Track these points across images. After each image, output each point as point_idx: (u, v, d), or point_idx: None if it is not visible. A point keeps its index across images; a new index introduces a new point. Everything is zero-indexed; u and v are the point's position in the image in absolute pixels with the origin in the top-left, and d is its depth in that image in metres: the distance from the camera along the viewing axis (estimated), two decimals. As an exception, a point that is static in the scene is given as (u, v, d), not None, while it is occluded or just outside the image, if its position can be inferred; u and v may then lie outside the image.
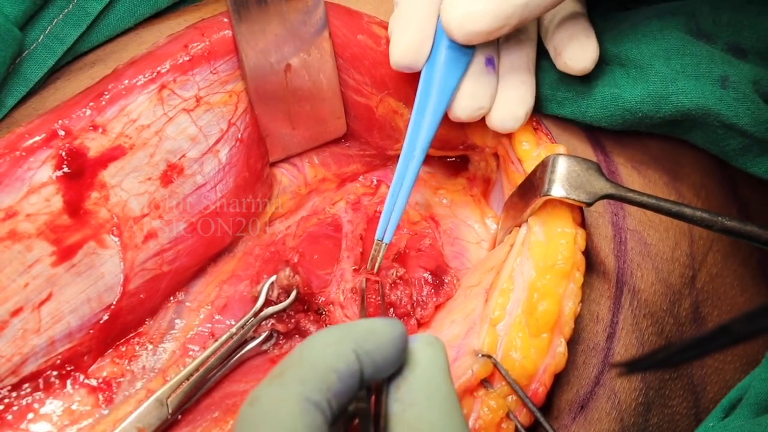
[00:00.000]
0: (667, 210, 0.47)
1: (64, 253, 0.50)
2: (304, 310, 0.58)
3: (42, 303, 0.50)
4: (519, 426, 0.47)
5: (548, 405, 0.51)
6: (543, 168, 0.51)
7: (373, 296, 0.56)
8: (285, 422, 0.32)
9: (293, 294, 0.57)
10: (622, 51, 0.56)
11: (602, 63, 0.56)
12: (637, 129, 0.57)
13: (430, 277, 0.57)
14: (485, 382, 0.48)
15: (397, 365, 0.38)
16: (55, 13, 0.53)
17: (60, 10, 0.53)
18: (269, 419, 0.33)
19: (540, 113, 0.58)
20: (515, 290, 0.49)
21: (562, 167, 0.50)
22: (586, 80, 0.57)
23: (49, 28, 0.53)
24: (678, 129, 0.57)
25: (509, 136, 0.56)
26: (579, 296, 0.49)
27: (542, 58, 0.58)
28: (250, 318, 0.56)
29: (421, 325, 0.56)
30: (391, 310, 0.56)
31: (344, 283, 0.58)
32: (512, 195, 0.55)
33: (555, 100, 0.57)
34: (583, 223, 0.52)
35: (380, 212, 0.63)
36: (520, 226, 0.53)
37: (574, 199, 0.49)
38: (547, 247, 0.50)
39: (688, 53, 0.55)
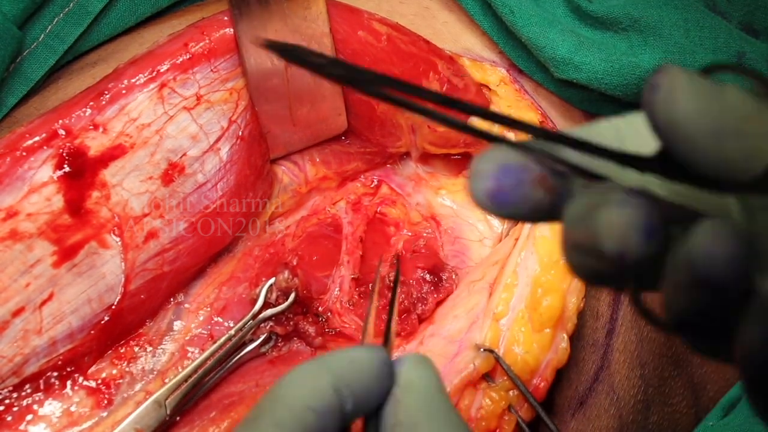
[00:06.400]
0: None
1: (66, 253, 0.54)
2: (302, 313, 0.63)
3: (43, 303, 0.54)
4: (520, 420, 0.52)
5: (549, 400, 0.55)
6: None
7: (378, 299, 0.62)
8: None
9: (292, 296, 0.61)
10: (642, 16, 0.60)
11: (621, 29, 0.60)
12: None
13: (428, 275, 0.63)
14: (487, 377, 0.53)
15: (382, 395, 0.38)
16: (56, 11, 0.57)
17: (61, 8, 0.56)
18: None
19: (555, 79, 0.61)
20: (519, 285, 0.54)
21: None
22: (605, 47, 0.60)
23: (50, 27, 0.57)
24: None
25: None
26: (582, 292, 0.54)
27: (565, 18, 0.62)
28: (249, 320, 0.60)
29: (422, 320, 0.61)
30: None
31: (342, 295, 0.63)
32: None
33: (572, 65, 0.60)
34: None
35: (381, 213, 0.68)
36: None
37: None
38: (553, 242, 0.54)
39: (707, 26, 0.58)
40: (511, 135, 0.38)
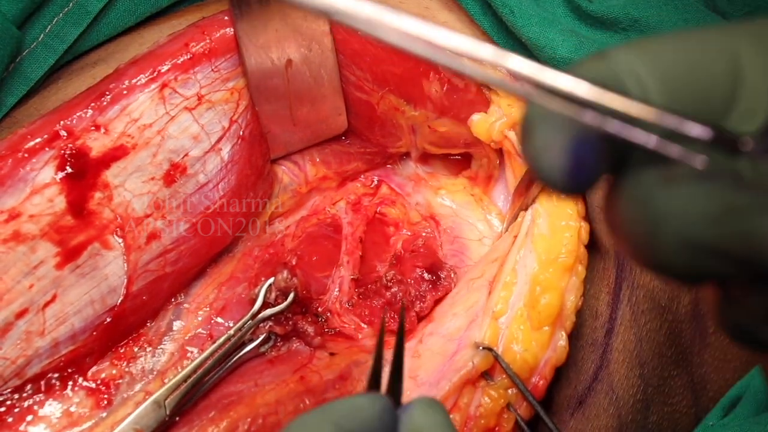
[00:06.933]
0: None
1: (69, 255, 0.55)
2: (301, 313, 0.64)
3: (46, 305, 0.55)
4: (519, 418, 0.53)
5: (548, 399, 0.57)
6: None
7: (376, 299, 0.64)
8: None
9: (291, 296, 0.63)
10: (642, 16, 0.60)
11: (621, 29, 0.61)
12: None
13: (426, 273, 0.65)
14: (486, 375, 0.54)
15: None
16: (56, 11, 0.58)
17: (60, 8, 0.57)
18: None
19: None
20: (518, 283, 0.55)
21: None
22: (605, 47, 0.61)
23: (49, 26, 0.58)
24: None
25: (515, 129, 0.63)
26: (581, 290, 0.55)
27: (565, 18, 0.63)
28: (248, 320, 0.62)
29: (420, 318, 0.63)
30: (386, 309, 0.63)
31: (342, 295, 0.65)
32: (519, 184, 0.61)
33: (572, 65, 0.61)
34: (587, 217, 0.58)
35: (381, 213, 0.70)
36: (526, 209, 0.59)
37: None
38: (551, 240, 0.56)
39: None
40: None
